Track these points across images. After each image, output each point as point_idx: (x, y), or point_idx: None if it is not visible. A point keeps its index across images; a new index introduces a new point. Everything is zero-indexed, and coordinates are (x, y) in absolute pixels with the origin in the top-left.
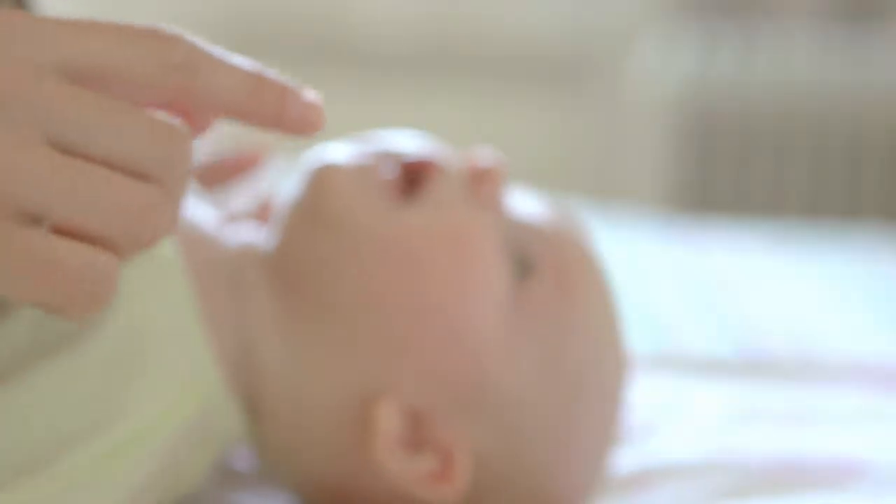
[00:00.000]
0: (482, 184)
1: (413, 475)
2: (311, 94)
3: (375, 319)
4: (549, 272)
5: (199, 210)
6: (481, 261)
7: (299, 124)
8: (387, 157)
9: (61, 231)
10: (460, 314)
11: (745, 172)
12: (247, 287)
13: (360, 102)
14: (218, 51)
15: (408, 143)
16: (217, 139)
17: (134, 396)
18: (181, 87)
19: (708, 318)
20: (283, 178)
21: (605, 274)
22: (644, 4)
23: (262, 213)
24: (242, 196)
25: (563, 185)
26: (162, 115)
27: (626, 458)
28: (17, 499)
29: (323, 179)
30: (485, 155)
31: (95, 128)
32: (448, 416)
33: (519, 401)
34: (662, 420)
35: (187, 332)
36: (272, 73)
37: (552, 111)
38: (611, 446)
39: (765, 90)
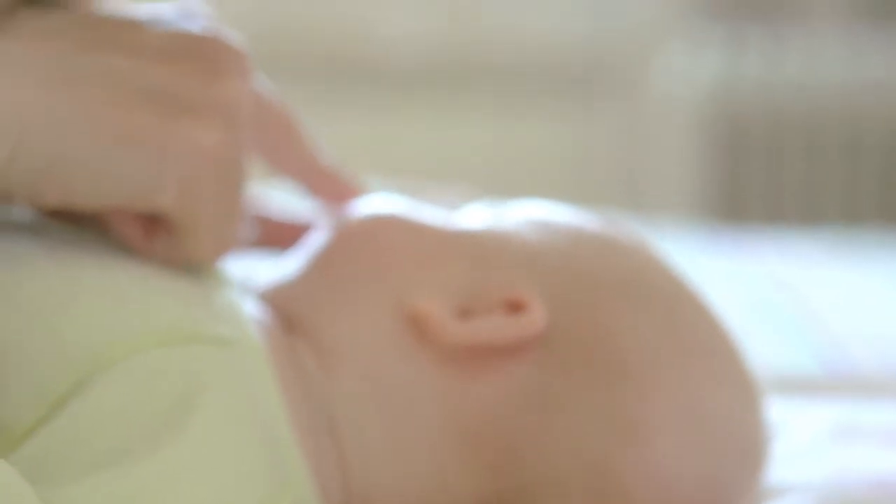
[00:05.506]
0: None
1: (486, 327)
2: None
3: (340, 264)
4: None
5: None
6: None
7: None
8: None
9: None
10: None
11: (776, 176)
12: (298, 359)
13: (378, 118)
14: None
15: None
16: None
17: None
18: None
19: (783, 331)
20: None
21: None
22: (667, 7)
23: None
24: None
25: (590, 198)
26: None
27: None
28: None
29: None
30: None
31: None
32: (488, 276)
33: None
34: None
35: (276, 428)
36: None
37: (576, 121)
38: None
39: (794, 92)
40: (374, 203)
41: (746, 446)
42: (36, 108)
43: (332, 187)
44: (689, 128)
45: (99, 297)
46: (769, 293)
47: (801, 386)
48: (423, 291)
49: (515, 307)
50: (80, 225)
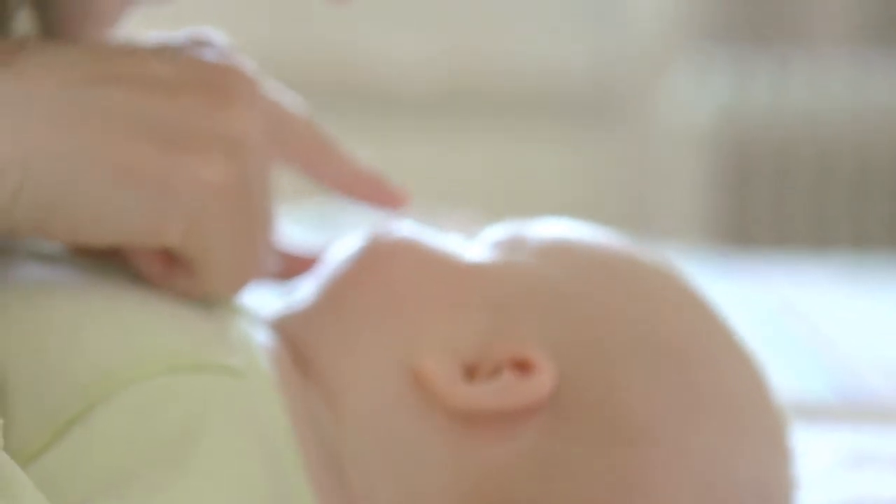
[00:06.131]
0: None
1: (492, 391)
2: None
3: (351, 306)
4: None
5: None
6: None
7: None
8: None
9: None
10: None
11: (784, 202)
12: (308, 393)
13: (383, 145)
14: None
15: None
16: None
17: None
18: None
19: (795, 357)
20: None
21: None
22: (673, 34)
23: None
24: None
25: (598, 224)
26: None
27: None
28: None
29: None
30: None
31: None
32: (492, 334)
33: (550, 285)
34: None
35: (283, 458)
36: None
37: (581, 148)
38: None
39: (801, 117)
40: (392, 230)
41: (767, 496)
42: (38, 144)
43: (373, 189)
44: (696, 153)
45: (108, 324)
46: (780, 319)
47: (815, 412)
48: (430, 345)
49: (524, 368)
50: (101, 258)
